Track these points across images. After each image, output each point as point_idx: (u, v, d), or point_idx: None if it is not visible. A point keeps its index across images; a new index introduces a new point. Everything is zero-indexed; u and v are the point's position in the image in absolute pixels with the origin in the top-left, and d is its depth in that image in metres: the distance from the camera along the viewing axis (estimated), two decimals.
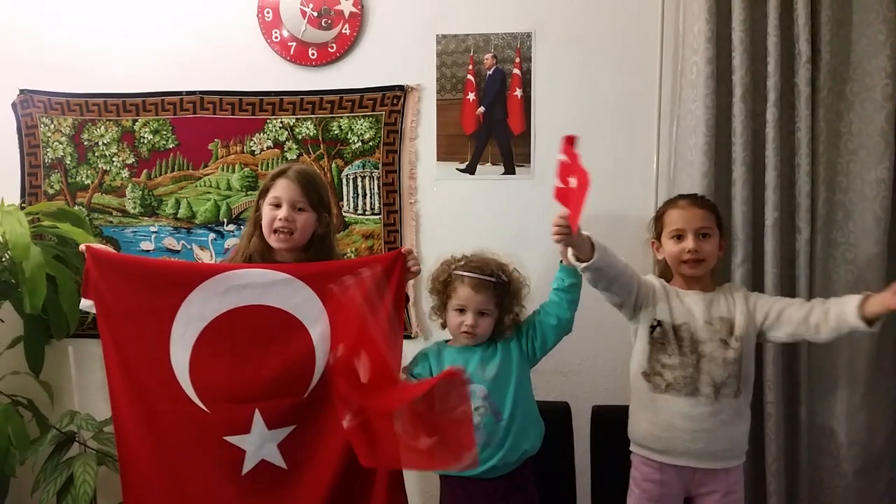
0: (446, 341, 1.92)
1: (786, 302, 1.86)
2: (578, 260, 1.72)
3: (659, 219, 1.93)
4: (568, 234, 1.64)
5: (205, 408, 1.78)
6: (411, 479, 1.94)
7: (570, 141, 1.67)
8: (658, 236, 1.92)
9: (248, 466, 1.78)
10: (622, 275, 1.80)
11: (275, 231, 1.82)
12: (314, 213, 1.86)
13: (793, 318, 1.81)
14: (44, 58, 2.49)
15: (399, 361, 1.82)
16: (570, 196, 1.65)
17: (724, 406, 1.80)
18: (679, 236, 1.85)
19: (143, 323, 1.79)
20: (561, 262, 1.81)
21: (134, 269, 1.85)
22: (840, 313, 1.73)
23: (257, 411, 1.77)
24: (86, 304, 1.81)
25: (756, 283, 2.12)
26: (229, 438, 1.78)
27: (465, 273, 1.82)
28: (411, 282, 2.29)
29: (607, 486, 2.07)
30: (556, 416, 2.10)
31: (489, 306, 1.81)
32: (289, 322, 1.79)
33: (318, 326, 1.79)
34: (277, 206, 1.83)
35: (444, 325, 1.91)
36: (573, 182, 1.64)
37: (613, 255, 1.76)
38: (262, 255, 1.86)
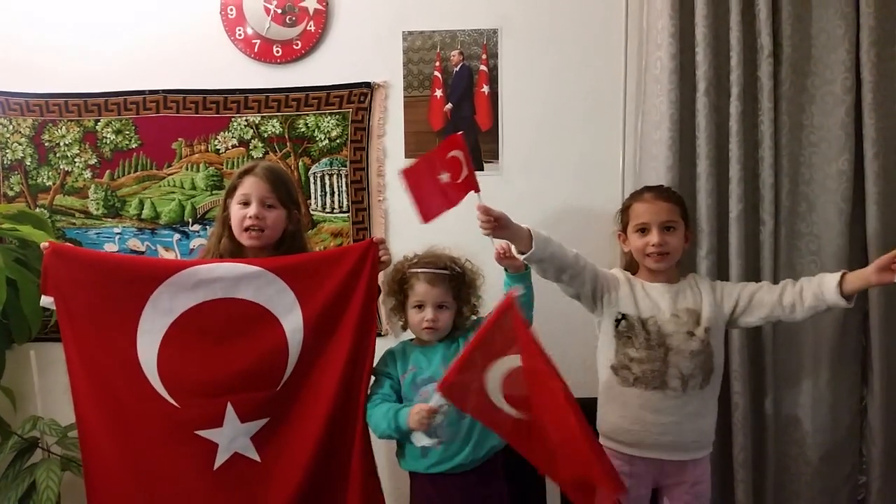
0: (410, 341, 1.93)
1: (755, 286, 1.88)
2: (521, 253, 1.74)
3: (625, 211, 1.94)
4: (494, 224, 1.67)
5: (175, 403, 1.75)
6: (381, 476, 1.92)
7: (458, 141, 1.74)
8: (624, 229, 1.93)
9: (220, 460, 1.76)
10: (570, 266, 1.80)
11: (245, 229, 1.81)
12: (284, 209, 1.85)
13: (765, 301, 1.83)
14: (1, 57, 2.43)
15: (370, 355, 1.82)
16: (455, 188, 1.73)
17: (691, 398, 1.81)
18: (644, 229, 1.86)
19: (108, 319, 1.76)
20: (506, 270, 1.83)
21: (98, 265, 1.82)
22: (818, 292, 1.76)
23: (230, 405, 1.75)
24: (46, 300, 1.76)
25: (721, 275, 2.14)
26: (201, 432, 1.75)
27: (419, 269, 1.84)
28: (382, 280, 2.28)
29: None
30: None
31: (447, 299, 1.83)
32: (261, 315, 1.77)
33: (290, 318, 1.77)
34: (246, 203, 1.81)
35: (404, 327, 1.92)
36: (444, 177, 1.72)
37: (559, 247, 1.77)
38: (232, 255, 1.84)
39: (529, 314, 1.83)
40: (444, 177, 1.73)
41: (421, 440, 1.73)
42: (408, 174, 1.81)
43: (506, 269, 1.84)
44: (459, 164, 1.73)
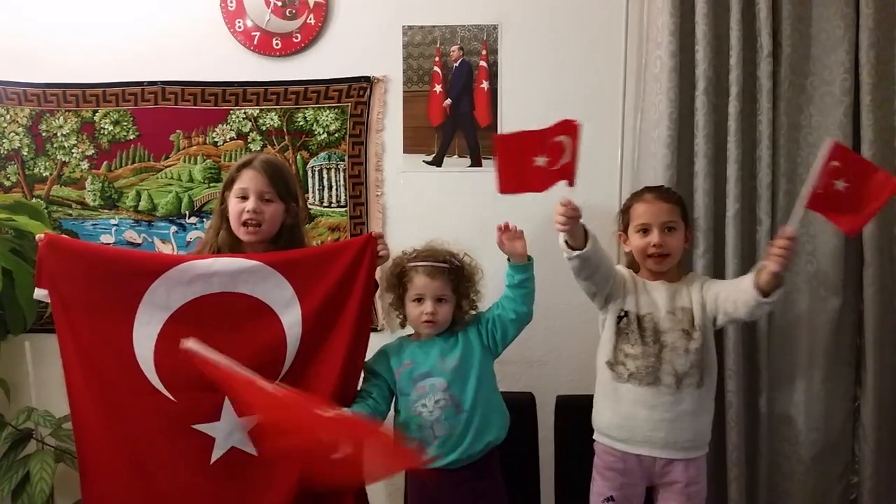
0: (408, 336, 1.93)
1: (719, 286, 1.88)
2: (570, 248, 1.73)
3: (626, 212, 1.94)
4: (576, 218, 1.65)
5: (171, 397, 1.75)
6: None
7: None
8: (625, 229, 1.93)
9: (217, 454, 1.76)
10: (604, 265, 1.81)
11: (243, 224, 1.80)
12: (282, 203, 1.84)
13: (726, 301, 1.81)
14: None
15: (365, 350, 1.82)
16: (547, 173, 1.66)
17: (685, 396, 1.82)
18: (645, 230, 1.86)
19: (104, 313, 1.74)
20: (509, 259, 1.83)
21: (94, 258, 1.80)
22: (745, 289, 1.74)
23: (227, 399, 1.74)
24: (39, 293, 1.75)
25: (717, 274, 2.14)
26: (198, 426, 1.74)
27: (418, 263, 1.84)
28: (378, 275, 2.28)
29: (571, 474, 2.08)
30: (521, 406, 2.11)
31: (446, 292, 1.83)
32: (259, 309, 1.76)
33: (289, 313, 1.77)
34: (244, 197, 1.80)
35: (403, 324, 1.92)
36: (541, 160, 1.64)
37: (601, 247, 1.78)
38: (230, 248, 1.83)
39: (530, 307, 1.83)
40: (541, 160, 1.65)
41: None
42: (501, 141, 1.76)
43: (508, 259, 1.83)
44: (562, 151, 1.65)
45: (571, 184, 1.65)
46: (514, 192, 1.70)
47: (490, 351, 1.86)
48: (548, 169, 1.66)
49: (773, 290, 1.69)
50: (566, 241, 1.74)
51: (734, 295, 1.79)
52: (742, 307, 1.76)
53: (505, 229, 1.82)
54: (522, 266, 1.81)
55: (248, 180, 1.81)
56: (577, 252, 1.72)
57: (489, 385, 1.85)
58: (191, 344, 1.56)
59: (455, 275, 1.85)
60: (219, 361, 1.55)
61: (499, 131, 2.37)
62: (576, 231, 1.71)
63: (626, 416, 1.83)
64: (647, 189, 1.96)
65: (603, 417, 1.89)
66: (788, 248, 1.63)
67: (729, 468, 2.17)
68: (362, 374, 1.86)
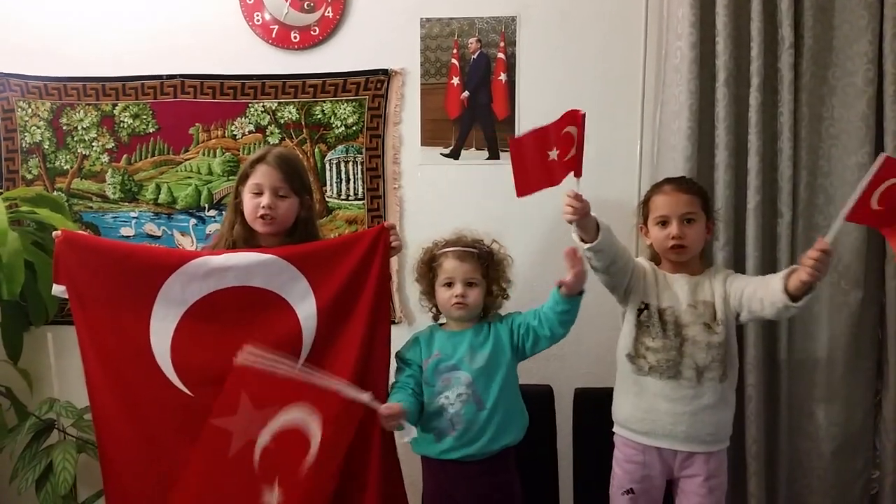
0: (440, 325, 1.93)
1: (745, 281, 1.86)
2: (582, 241, 1.73)
3: (646, 204, 1.93)
4: (582, 211, 1.65)
5: (188, 391, 1.76)
6: None
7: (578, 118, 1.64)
8: (645, 221, 1.92)
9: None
10: (620, 257, 1.80)
11: (259, 217, 1.81)
12: (296, 197, 1.85)
13: (752, 298, 1.79)
14: (20, 40, 2.44)
15: (383, 340, 1.82)
16: (558, 166, 1.65)
17: (707, 390, 1.81)
18: (664, 222, 1.85)
19: (121, 308, 1.76)
20: (558, 287, 1.76)
21: (109, 254, 1.82)
22: (773, 290, 1.72)
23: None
24: (58, 289, 1.77)
25: (738, 267, 2.13)
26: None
27: (447, 249, 1.85)
28: (395, 268, 2.29)
29: (589, 467, 2.08)
30: (539, 399, 2.11)
31: (476, 275, 1.83)
32: (274, 302, 1.78)
33: (304, 305, 1.78)
34: (259, 193, 1.81)
35: (436, 317, 1.94)
36: (553, 154, 1.65)
37: (614, 236, 1.78)
38: (245, 241, 1.84)
39: (567, 330, 1.81)
40: (553, 153, 1.66)
41: (401, 436, 1.74)
42: (515, 144, 1.77)
43: (558, 287, 1.76)
44: (571, 142, 1.65)
45: (579, 174, 1.65)
46: (532, 191, 1.72)
47: (518, 355, 1.86)
48: (559, 161, 1.67)
49: (802, 296, 1.68)
50: (580, 236, 1.74)
51: (762, 293, 1.76)
52: (769, 307, 1.74)
53: (573, 257, 1.72)
54: (567, 299, 1.75)
55: (262, 175, 1.81)
56: (588, 245, 1.72)
57: (513, 388, 1.86)
58: (244, 356, 1.60)
59: (484, 260, 1.85)
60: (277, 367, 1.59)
61: (516, 124, 2.36)
62: (586, 223, 1.70)
63: (646, 410, 1.83)
64: (667, 180, 1.94)
65: (623, 410, 1.89)
66: (823, 261, 1.61)
67: (749, 462, 2.16)
68: (395, 364, 1.87)
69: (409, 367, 1.87)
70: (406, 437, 1.72)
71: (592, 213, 1.70)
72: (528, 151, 1.70)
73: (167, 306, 1.76)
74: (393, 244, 1.83)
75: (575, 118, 1.63)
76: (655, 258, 1.94)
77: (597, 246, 1.71)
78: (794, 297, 1.67)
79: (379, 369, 1.82)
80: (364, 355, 1.79)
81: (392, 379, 1.88)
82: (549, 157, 1.66)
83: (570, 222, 1.70)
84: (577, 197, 1.65)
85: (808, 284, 1.64)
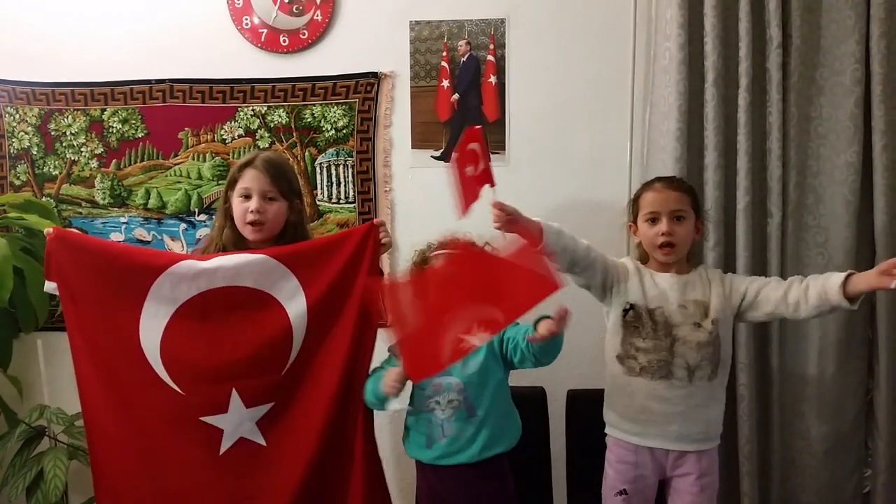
0: None
1: (762, 281, 1.86)
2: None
3: (635, 201, 1.93)
4: (506, 218, 1.66)
5: (179, 390, 1.76)
6: (388, 466, 1.93)
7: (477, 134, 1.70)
8: (635, 219, 1.92)
9: (226, 445, 1.77)
10: (582, 258, 1.80)
11: (249, 223, 1.81)
12: (285, 201, 1.85)
13: (771, 298, 1.80)
14: (7, 46, 2.43)
15: (373, 337, 1.82)
16: (474, 181, 1.69)
17: (697, 389, 1.81)
18: (653, 219, 1.85)
19: (112, 306, 1.76)
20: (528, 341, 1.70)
21: (100, 252, 1.82)
22: (822, 292, 1.73)
23: (234, 390, 1.75)
24: (49, 286, 1.77)
25: (728, 267, 2.13)
26: (206, 419, 1.76)
27: (439, 251, 1.84)
28: (387, 271, 2.28)
29: (583, 468, 2.08)
30: (532, 401, 2.11)
31: None
32: (264, 301, 1.78)
33: (294, 304, 1.78)
34: (247, 197, 1.81)
35: None
36: (470, 170, 1.68)
37: (571, 239, 1.77)
38: (235, 246, 1.84)
39: (552, 359, 1.75)
40: (470, 170, 1.69)
41: (392, 405, 1.73)
42: (451, 168, 1.78)
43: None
44: (477, 157, 1.69)
45: (492, 184, 1.68)
46: (466, 208, 1.72)
47: (508, 365, 1.83)
48: (475, 176, 1.69)
49: (858, 299, 1.70)
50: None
51: (795, 296, 1.76)
52: (812, 310, 1.74)
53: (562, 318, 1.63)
54: (539, 346, 1.68)
55: (250, 180, 1.81)
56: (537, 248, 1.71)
57: (505, 395, 1.85)
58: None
59: None
60: None
61: (506, 126, 2.37)
62: (521, 229, 1.70)
63: (638, 410, 1.83)
64: (657, 179, 1.94)
65: (615, 411, 1.89)
66: None
67: (741, 462, 2.16)
68: (386, 359, 1.86)
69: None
70: (398, 405, 1.73)
71: (535, 218, 1.71)
72: (454, 173, 1.74)
73: (157, 305, 1.76)
74: (383, 241, 1.83)
75: (473, 135, 1.69)
76: (643, 257, 1.94)
77: (543, 249, 1.71)
78: (850, 300, 1.69)
79: (368, 365, 1.83)
80: (354, 352, 1.79)
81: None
82: (467, 174, 1.70)
83: (499, 230, 1.69)
84: (498, 205, 1.67)
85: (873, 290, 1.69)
